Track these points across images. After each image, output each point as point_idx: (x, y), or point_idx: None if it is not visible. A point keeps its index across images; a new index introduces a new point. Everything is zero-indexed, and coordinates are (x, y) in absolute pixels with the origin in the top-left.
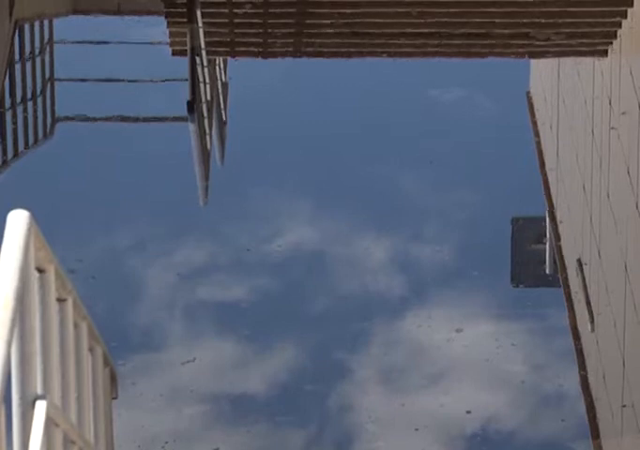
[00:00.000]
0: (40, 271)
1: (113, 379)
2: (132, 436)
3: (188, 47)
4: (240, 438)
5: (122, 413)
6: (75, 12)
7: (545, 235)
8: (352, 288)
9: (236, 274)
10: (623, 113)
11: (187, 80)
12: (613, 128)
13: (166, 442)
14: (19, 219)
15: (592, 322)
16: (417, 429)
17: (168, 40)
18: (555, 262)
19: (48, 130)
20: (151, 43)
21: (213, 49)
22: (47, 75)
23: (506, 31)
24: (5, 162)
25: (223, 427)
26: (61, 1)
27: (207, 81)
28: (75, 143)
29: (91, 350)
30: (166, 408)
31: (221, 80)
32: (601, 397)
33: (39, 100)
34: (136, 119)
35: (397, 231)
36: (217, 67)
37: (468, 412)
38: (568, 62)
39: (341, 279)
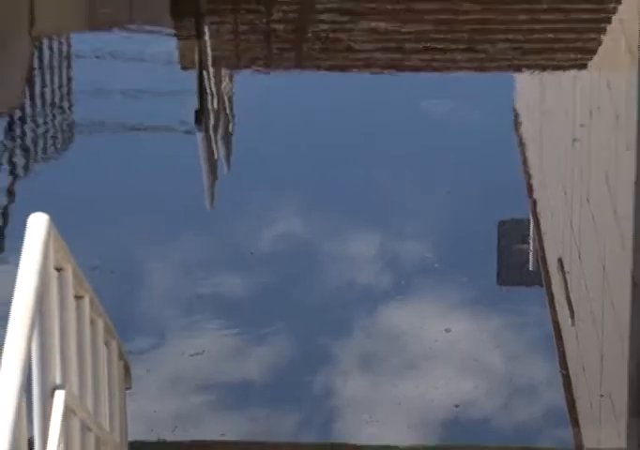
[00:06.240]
0: (59, 270)
1: (126, 371)
2: (145, 420)
3: (196, 61)
4: (243, 422)
5: (136, 400)
6: (91, 29)
7: (529, 237)
8: (344, 283)
9: (238, 270)
10: (582, 125)
11: (195, 92)
12: (584, 139)
13: (176, 427)
14: (39, 222)
15: (572, 317)
16: (410, 427)
17: (178, 54)
18: (538, 261)
19: (66, 139)
20: (161, 58)
21: (219, 63)
22: (65, 87)
23: (491, 46)
24: (26, 169)
25: (227, 413)
26: (78, 18)
27: (214, 92)
28: (91, 152)
29: (106, 344)
30: (176, 395)
31: (227, 91)
32: (580, 387)
33: (58, 111)
34: (147, 128)
35: (388, 231)
36: (223, 80)
37: (456, 405)
38: (551, 76)
39: (334, 275)
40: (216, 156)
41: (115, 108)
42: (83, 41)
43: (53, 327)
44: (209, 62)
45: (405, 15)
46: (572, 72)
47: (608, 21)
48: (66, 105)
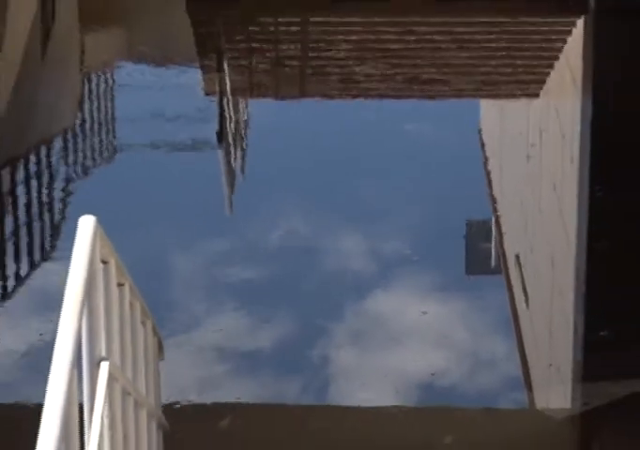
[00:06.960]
0: (104, 262)
1: (159, 345)
2: (175, 386)
3: (217, 90)
4: (255, 387)
5: (168, 369)
6: (132, 61)
7: (492, 236)
8: (338, 273)
9: (251, 263)
10: (532, 145)
11: (216, 116)
12: (536, 155)
13: (201, 390)
14: (87, 223)
15: (527, 302)
16: (397, 392)
17: (202, 85)
18: (499, 256)
19: (109, 156)
20: (188, 88)
21: (236, 92)
22: (109, 111)
23: (463, 79)
24: (75, 180)
25: (241, 379)
26: (120, 52)
27: (232, 117)
28: (131, 166)
29: (143, 323)
30: (201, 364)
31: (243, 115)
32: (533, 359)
33: (103, 131)
34: (176, 146)
35: (375, 230)
36: (239, 107)
37: (432, 374)
38: (509, 103)
39: (329, 266)
40: (234, 167)
41: (150, 129)
42: (123, 73)
43: (99, 309)
44: (228, 91)
45: (389, 53)
46: (526, 100)
47: (556, 58)
48: (110, 126)
